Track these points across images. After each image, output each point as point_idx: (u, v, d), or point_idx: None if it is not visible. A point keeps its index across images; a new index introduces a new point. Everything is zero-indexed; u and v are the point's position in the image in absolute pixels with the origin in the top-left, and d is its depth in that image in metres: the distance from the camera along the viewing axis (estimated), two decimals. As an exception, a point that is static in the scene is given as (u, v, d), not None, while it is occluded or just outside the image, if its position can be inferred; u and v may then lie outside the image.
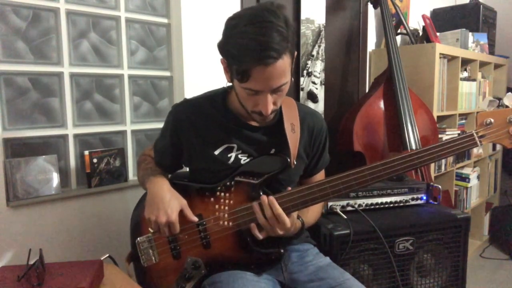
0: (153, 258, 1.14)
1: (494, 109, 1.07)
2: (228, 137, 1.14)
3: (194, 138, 1.14)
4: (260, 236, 1.04)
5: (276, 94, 1.01)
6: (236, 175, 1.12)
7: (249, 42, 0.91)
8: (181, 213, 1.09)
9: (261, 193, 1.10)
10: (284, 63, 0.95)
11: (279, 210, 1.02)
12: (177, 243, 1.12)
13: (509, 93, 1.07)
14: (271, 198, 1.03)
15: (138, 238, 1.15)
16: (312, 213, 1.23)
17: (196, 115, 1.15)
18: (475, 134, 1.04)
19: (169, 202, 1.06)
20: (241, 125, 1.14)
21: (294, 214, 1.07)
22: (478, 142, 1.04)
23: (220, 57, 1.05)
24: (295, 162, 1.12)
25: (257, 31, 0.91)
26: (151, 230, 1.10)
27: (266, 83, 0.96)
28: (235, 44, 0.93)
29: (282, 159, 1.11)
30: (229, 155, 1.13)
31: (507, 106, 1.12)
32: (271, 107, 1.01)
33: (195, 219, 1.10)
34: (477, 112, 1.10)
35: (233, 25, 0.96)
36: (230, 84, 1.11)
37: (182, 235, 1.11)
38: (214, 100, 1.17)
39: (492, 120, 1.04)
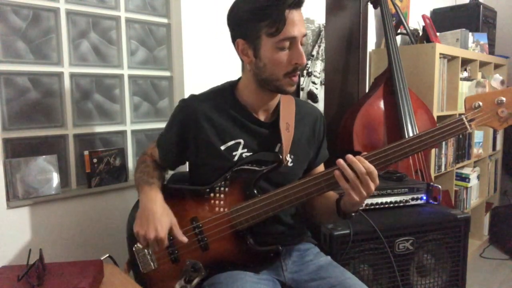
0: (152, 264, 1.13)
1: (481, 92, 1.06)
2: (236, 131, 1.14)
3: (202, 129, 1.13)
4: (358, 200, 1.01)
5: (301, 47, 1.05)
6: (231, 173, 1.12)
7: None
8: (170, 232, 1.07)
9: (255, 191, 1.10)
10: (302, 13, 1.04)
11: (371, 166, 0.99)
12: (175, 248, 1.12)
13: (496, 75, 1.06)
14: (358, 156, 1.01)
15: (136, 245, 1.14)
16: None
17: (205, 108, 1.14)
18: (464, 118, 1.03)
19: (160, 218, 1.04)
20: (249, 118, 1.15)
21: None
22: (468, 126, 1.02)
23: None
24: (287, 159, 1.13)
25: None
26: (140, 246, 1.08)
27: (299, 27, 1.01)
28: (262, 0, 0.99)
29: (274, 155, 1.12)
30: (234, 153, 1.13)
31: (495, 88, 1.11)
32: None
33: (185, 239, 1.08)
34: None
35: None
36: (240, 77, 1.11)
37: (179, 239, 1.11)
38: (222, 93, 1.17)
39: (481, 103, 1.03)
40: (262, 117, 1.17)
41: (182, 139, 1.16)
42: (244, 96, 1.15)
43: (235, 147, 1.13)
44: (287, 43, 1.02)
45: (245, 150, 1.14)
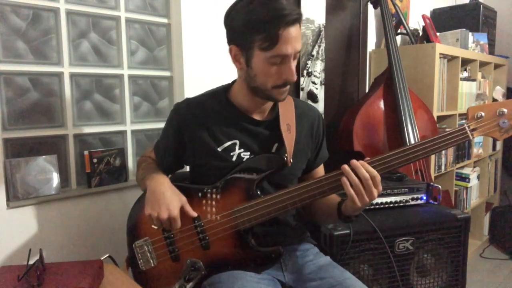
0: (152, 261, 1.13)
1: (484, 103, 1.08)
2: (231, 132, 1.14)
3: (198, 132, 1.14)
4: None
5: (294, 62, 1.05)
6: (233, 174, 1.12)
7: (272, 8, 0.97)
8: (181, 211, 1.08)
9: (258, 192, 1.10)
10: (300, 27, 1.03)
11: (375, 171, 1.00)
12: (176, 246, 1.12)
13: (498, 87, 1.08)
14: (362, 161, 1.02)
15: (136, 242, 1.14)
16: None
17: (199, 111, 1.16)
18: (467, 127, 1.06)
19: (171, 198, 1.06)
20: (244, 119, 1.15)
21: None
22: (470, 135, 1.06)
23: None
24: (291, 161, 1.13)
25: (272, 0, 0.98)
26: (155, 227, 1.09)
27: (292, 44, 1.00)
28: (259, 13, 0.98)
29: (279, 157, 1.12)
30: (231, 154, 1.14)
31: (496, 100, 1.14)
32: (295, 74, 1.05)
33: (195, 214, 1.10)
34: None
35: (248, 1, 1.01)
36: (235, 79, 1.12)
37: (181, 237, 1.11)
38: (216, 96, 1.18)
39: (483, 114, 1.06)
40: (257, 116, 1.17)
41: (179, 142, 1.17)
42: (238, 98, 1.15)
43: (232, 147, 1.14)
44: (278, 59, 1.02)
45: (242, 150, 1.14)
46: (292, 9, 0.98)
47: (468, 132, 1.05)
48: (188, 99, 1.21)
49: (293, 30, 0.99)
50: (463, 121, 2.75)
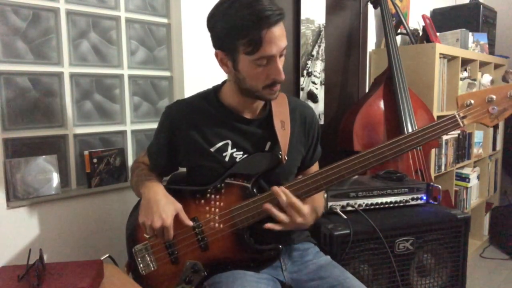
0: (152, 265, 1.13)
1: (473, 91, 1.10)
2: (223, 133, 1.15)
3: (190, 133, 1.15)
4: (276, 227, 1.05)
5: (280, 59, 1.04)
6: (229, 174, 1.12)
7: (253, 11, 0.96)
8: (177, 218, 1.08)
9: (255, 191, 1.11)
10: (283, 25, 1.02)
11: (293, 198, 1.03)
12: (175, 248, 1.12)
13: (486, 74, 1.10)
14: (282, 187, 1.04)
15: (135, 247, 1.14)
16: (320, 204, 1.26)
17: (190, 112, 1.16)
18: (457, 115, 1.08)
19: (164, 207, 1.06)
20: (235, 119, 1.16)
21: (310, 204, 1.08)
22: (460, 122, 1.07)
23: (213, 53, 1.08)
24: (286, 158, 1.13)
25: (252, 2, 0.97)
26: (146, 236, 1.08)
27: (277, 44, 1.00)
28: (240, 18, 0.97)
29: (274, 155, 1.12)
30: (224, 154, 1.14)
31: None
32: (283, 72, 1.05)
33: (190, 223, 1.09)
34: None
35: (227, 6, 1.00)
36: (225, 80, 1.14)
37: (180, 239, 1.11)
38: (206, 97, 1.19)
39: (472, 101, 1.08)
40: (248, 115, 1.17)
41: (171, 144, 1.18)
42: (229, 98, 1.16)
43: (224, 148, 1.14)
44: (264, 60, 1.01)
45: (235, 149, 1.15)
46: (274, 9, 0.96)
47: (459, 119, 1.07)
48: (178, 101, 1.21)
49: (276, 30, 0.98)
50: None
